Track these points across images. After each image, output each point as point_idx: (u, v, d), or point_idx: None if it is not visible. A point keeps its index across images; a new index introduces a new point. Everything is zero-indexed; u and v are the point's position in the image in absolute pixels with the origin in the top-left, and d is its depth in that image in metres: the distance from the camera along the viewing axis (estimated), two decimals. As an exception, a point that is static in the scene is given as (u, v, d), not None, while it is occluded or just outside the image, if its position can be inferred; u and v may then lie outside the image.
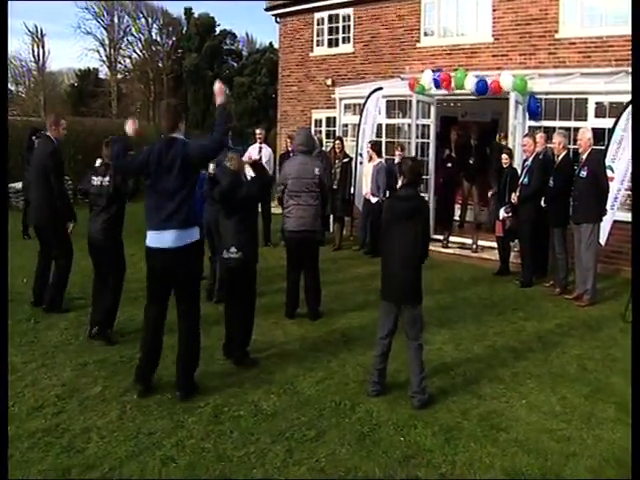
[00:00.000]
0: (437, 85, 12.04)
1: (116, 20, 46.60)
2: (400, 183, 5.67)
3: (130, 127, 5.79)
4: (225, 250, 6.34)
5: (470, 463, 4.56)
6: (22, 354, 6.43)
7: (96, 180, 6.95)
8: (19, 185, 15.69)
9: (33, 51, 46.92)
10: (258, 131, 13.14)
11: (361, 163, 12.79)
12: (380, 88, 13.01)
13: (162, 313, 5.64)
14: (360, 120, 13.29)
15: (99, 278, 7.12)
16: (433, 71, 12.36)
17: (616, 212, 9.54)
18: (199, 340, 5.71)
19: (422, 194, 7.97)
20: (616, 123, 9.70)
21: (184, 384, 5.52)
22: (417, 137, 12.66)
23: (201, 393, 5.59)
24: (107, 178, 6.86)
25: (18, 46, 78.30)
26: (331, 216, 12.99)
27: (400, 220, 5.45)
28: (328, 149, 13.65)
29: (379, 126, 13.37)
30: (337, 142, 12.88)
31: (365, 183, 12.26)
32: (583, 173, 8.72)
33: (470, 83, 11.38)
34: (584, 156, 8.84)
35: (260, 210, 12.45)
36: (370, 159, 12.21)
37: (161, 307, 5.62)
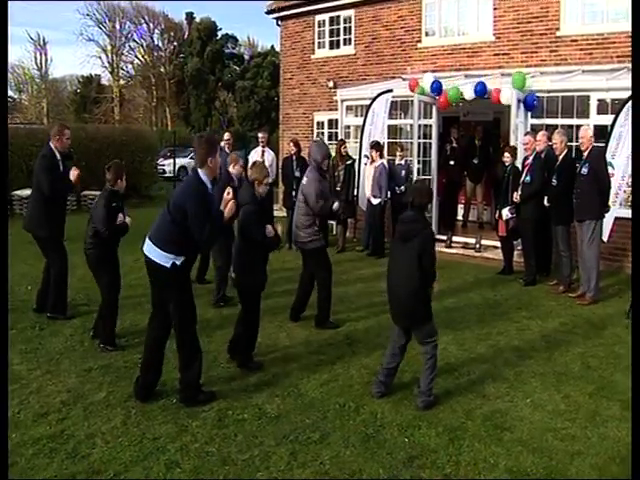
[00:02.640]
0: (436, 92, 12.13)
1: (117, 26, 46.70)
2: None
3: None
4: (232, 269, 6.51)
5: (474, 463, 4.55)
6: (27, 361, 6.44)
7: (96, 199, 6.95)
8: (24, 192, 15.77)
9: (36, 59, 47.09)
10: (260, 135, 13.15)
11: (365, 164, 12.78)
12: (390, 90, 13.01)
13: (161, 325, 5.58)
14: (364, 121, 13.29)
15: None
16: (433, 76, 12.40)
17: (618, 209, 9.53)
18: (192, 352, 5.53)
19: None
20: (615, 119, 9.70)
21: (183, 395, 5.51)
22: (419, 137, 12.66)
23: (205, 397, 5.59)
24: (101, 201, 6.83)
25: (21, 54, 78.70)
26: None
27: (400, 242, 5.50)
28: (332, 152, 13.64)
29: (382, 127, 13.35)
30: (342, 145, 12.86)
31: (367, 184, 12.27)
32: (584, 170, 8.71)
33: (468, 92, 11.43)
34: (586, 154, 8.82)
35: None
36: (372, 160, 12.22)
37: (159, 318, 5.57)
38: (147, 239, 5.42)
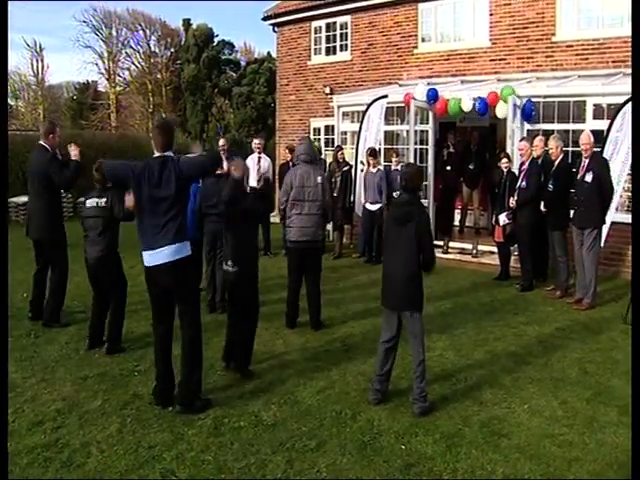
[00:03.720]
0: (432, 101, 12.17)
1: (114, 33, 46.69)
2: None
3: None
4: (224, 262, 6.36)
5: (472, 470, 4.53)
6: (22, 369, 6.41)
7: (90, 202, 6.86)
8: (20, 199, 15.76)
9: (32, 65, 47.03)
10: (257, 141, 13.08)
11: (362, 170, 12.78)
12: (385, 96, 13.02)
13: (169, 331, 5.61)
14: (360, 127, 13.28)
15: (99, 296, 7.05)
16: (425, 84, 12.45)
17: (614, 213, 9.51)
18: (200, 354, 5.65)
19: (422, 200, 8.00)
20: (611, 124, 9.69)
21: (184, 401, 5.49)
22: (416, 143, 12.67)
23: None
24: (103, 199, 6.78)
25: (17, 60, 78.69)
26: (331, 224, 12.97)
27: (396, 226, 5.47)
28: (328, 158, 13.65)
29: (376, 133, 13.34)
30: (340, 152, 12.86)
31: (363, 191, 12.28)
32: (588, 178, 8.58)
33: (468, 104, 11.47)
34: (587, 160, 8.70)
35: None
36: (368, 166, 12.22)
37: (166, 325, 5.59)
38: (157, 251, 5.28)
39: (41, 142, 7.81)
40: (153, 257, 5.32)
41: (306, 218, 7.70)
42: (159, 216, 5.28)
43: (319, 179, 7.74)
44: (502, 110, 11.14)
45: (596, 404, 5.61)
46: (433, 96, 12.08)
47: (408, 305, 5.45)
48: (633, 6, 7.01)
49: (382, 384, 5.66)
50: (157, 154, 5.39)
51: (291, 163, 12.50)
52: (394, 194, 11.83)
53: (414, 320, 5.47)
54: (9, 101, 48.33)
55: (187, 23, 45.73)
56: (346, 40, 16.51)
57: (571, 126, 10.83)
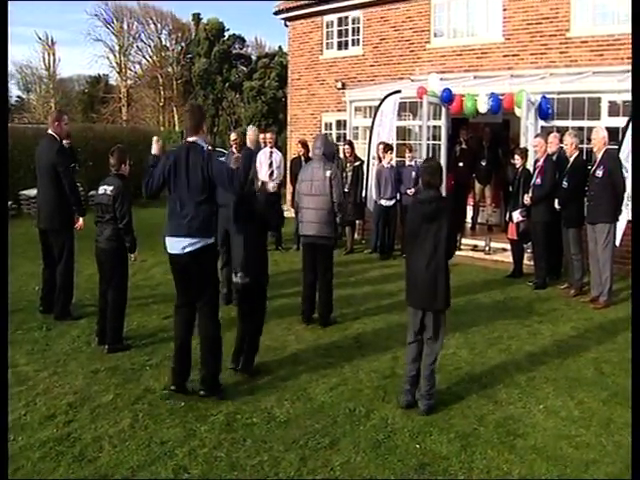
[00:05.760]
0: (447, 101, 12.10)
1: (125, 26, 46.72)
2: (421, 186, 5.66)
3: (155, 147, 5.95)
4: (234, 273, 6.26)
5: (487, 471, 4.47)
6: (34, 362, 6.38)
7: (101, 189, 6.81)
8: (32, 192, 15.74)
9: (44, 59, 47.10)
10: (268, 135, 13.00)
11: (374, 165, 12.71)
12: (398, 91, 12.94)
13: (190, 316, 5.65)
14: (373, 122, 13.20)
15: (105, 289, 7.00)
16: (438, 77, 12.38)
17: (630, 211, 9.43)
18: (220, 337, 5.70)
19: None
20: (629, 121, 9.60)
21: (209, 385, 5.56)
22: (428, 139, 12.59)
23: (214, 401, 5.51)
24: (111, 187, 6.70)
25: (29, 54, 78.88)
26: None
27: (424, 223, 5.34)
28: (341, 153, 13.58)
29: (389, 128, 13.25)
30: (346, 147, 12.81)
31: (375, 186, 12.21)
32: (599, 173, 8.59)
33: (483, 107, 11.39)
34: (599, 155, 8.72)
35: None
36: (380, 161, 12.17)
37: (188, 310, 5.63)
38: (179, 240, 5.35)
39: (50, 131, 7.81)
40: (175, 245, 5.40)
41: (313, 212, 7.60)
42: (183, 204, 5.34)
43: (328, 173, 7.57)
44: (519, 112, 11.08)
45: (613, 405, 5.54)
46: (448, 98, 11.99)
47: (434, 303, 5.34)
48: (633, 6, 6.95)
49: (412, 386, 5.48)
50: (188, 139, 5.50)
51: (303, 157, 12.47)
52: (408, 191, 11.73)
53: (437, 319, 5.40)
54: (21, 94, 48.59)
55: (197, 17, 45.68)
56: (358, 35, 16.44)
57: (586, 123, 10.71)
